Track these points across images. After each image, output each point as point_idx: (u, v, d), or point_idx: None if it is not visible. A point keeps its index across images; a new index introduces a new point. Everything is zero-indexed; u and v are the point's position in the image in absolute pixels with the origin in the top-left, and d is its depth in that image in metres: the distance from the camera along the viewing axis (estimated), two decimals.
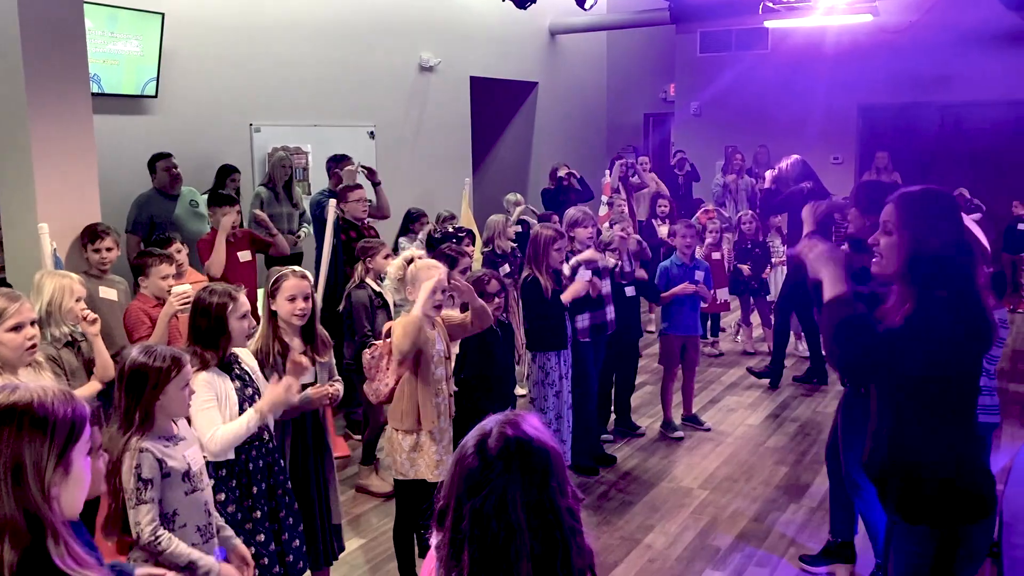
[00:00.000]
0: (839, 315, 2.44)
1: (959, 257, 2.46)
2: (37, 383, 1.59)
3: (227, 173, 7.14)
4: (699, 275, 6.12)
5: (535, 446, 1.58)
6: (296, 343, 3.60)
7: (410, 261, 3.81)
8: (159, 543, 2.58)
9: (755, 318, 8.38)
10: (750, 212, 8.30)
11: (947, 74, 10.89)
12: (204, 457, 2.93)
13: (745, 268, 7.79)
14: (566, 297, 4.88)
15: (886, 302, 2.72)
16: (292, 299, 3.51)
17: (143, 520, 2.57)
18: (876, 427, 2.63)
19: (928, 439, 2.50)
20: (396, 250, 5.98)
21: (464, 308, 4.45)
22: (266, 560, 3.25)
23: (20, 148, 4.67)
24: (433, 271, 3.76)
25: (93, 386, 3.68)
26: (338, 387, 3.68)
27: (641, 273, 5.97)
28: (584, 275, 5.04)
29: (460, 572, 1.56)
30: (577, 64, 13.05)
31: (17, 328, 3.02)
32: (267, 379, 3.42)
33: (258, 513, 3.24)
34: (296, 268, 3.70)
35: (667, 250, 7.07)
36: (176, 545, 2.61)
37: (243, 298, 3.23)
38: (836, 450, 4.06)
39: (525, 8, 8.46)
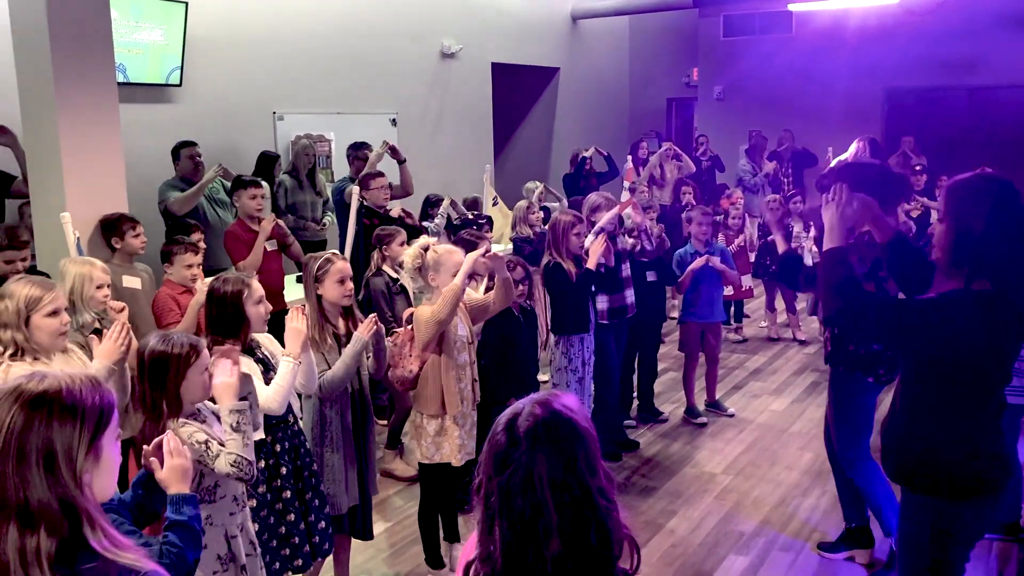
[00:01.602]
0: (834, 271, 2.57)
1: (1005, 244, 2.43)
2: (68, 370, 1.61)
3: (271, 161, 7.15)
4: (715, 260, 6.09)
5: (563, 425, 1.60)
6: (340, 324, 3.69)
7: (425, 249, 3.83)
8: (242, 460, 2.60)
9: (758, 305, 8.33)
10: (777, 197, 8.22)
11: (976, 56, 10.73)
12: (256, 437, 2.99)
13: (782, 233, 7.69)
14: (591, 263, 4.85)
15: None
16: (341, 281, 3.61)
17: (225, 467, 2.59)
18: (898, 404, 2.66)
19: (942, 420, 2.53)
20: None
21: (488, 290, 4.47)
22: (296, 539, 3.32)
23: (48, 139, 4.72)
24: (455, 255, 3.79)
25: None
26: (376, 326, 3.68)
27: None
28: (599, 241, 4.98)
29: (493, 547, 1.59)
30: (599, 49, 12.99)
31: (54, 314, 3.06)
32: (329, 363, 3.55)
33: (287, 493, 3.31)
34: (336, 252, 3.81)
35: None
36: (231, 448, 2.62)
37: (256, 284, 3.28)
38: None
39: None
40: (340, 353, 3.60)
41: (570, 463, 1.57)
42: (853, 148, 6.80)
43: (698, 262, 5.93)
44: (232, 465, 2.59)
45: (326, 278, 3.59)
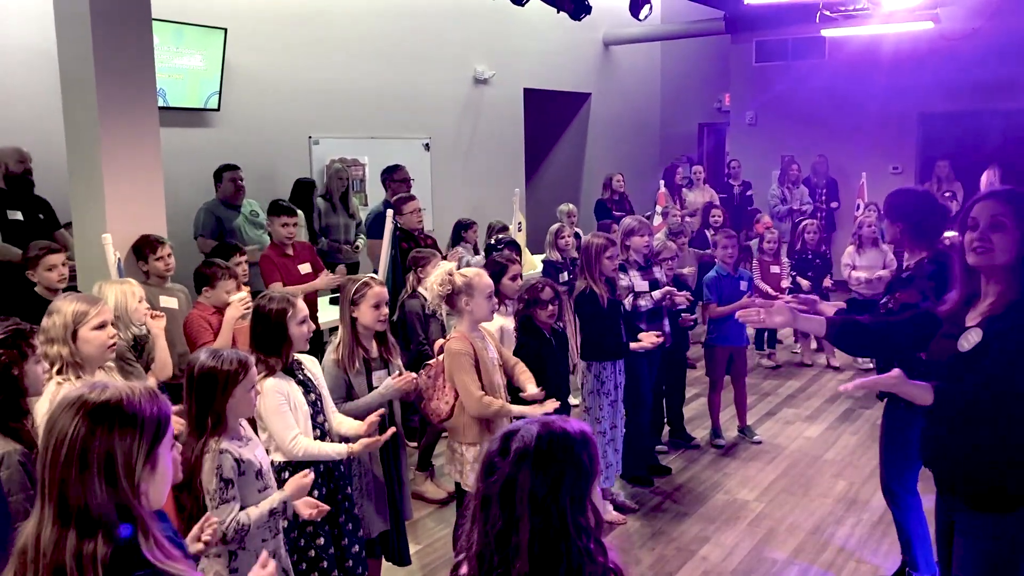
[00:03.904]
0: (949, 400, 2.52)
1: None
2: (120, 382, 1.65)
3: (308, 189, 7.23)
4: (743, 285, 6.07)
5: (556, 449, 1.58)
6: (373, 347, 3.71)
7: (450, 274, 3.83)
8: (243, 528, 2.66)
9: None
10: (814, 222, 8.16)
11: (1012, 80, 10.63)
12: (271, 458, 3.01)
13: (805, 283, 7.61)
14: (635, 346, 4.89)
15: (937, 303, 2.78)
16: (377, 306, 3.63)
17: (227, 518, 2.64)
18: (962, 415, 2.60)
19: (1008, 435, 2.48)
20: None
21: (518, 316, 4.49)
22: (325, 564, 3.31)
23: (91, 162, 4.82)
24: (484, 277, 3.81)
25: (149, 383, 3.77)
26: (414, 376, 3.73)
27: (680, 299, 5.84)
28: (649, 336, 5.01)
29: (469, 550, 1.61)
30: (631, 75, 13.04)
31: (100, 327, 3.12)
32: (353, 385, 3.57)
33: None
34: (374, 276, 3.84)
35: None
36: (252, 516, 2.68)
37: (301, 304, 3.31)
38: None
39: (580, 19, 8.49)
40: (367, 377, 3.63)
41: (554, 488, 1.55)
42: (985, 178, 6.68)
43: (738, 308, 5.83)
44: (228, 525, 2.63)
45: (362, 301, 3.62)
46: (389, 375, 3.72)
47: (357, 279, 3.71)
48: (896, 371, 2.52)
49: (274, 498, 2.75)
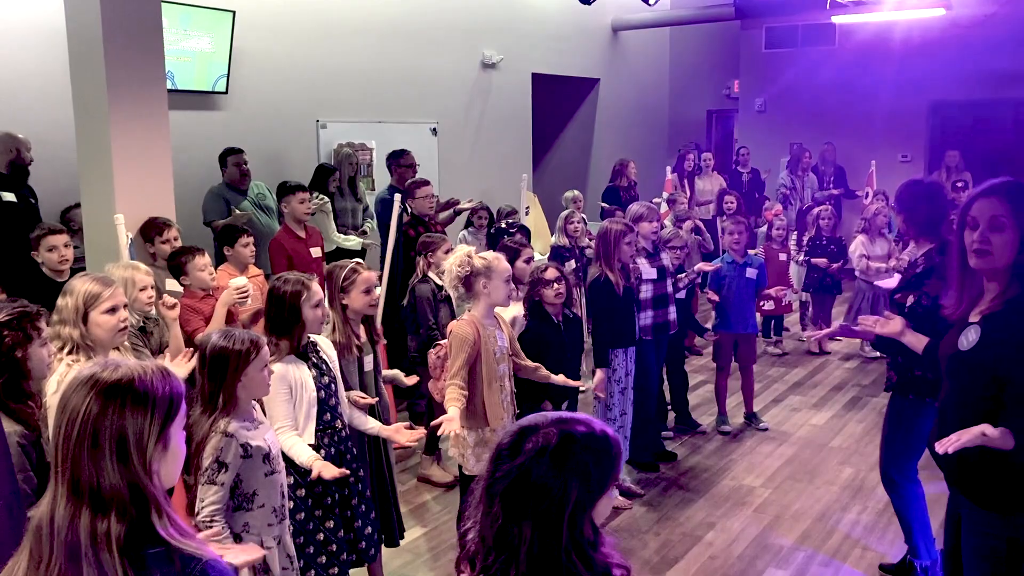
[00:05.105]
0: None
1: None
2: (132, 361, 1.64)
3: (328, 174, 7.24)
4: (751, 272, 6.04)
5: (570, 457, 1.54)
6: (362, 332, 3.72)
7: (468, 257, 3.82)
8: (209, 526, 2.60)
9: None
10: (829, 208, 8.14)
11: (1023, 70, 10.56)
12: None
13: (821, 261, 7.69)
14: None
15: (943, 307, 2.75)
16: (367, 291, 3.64)
17: (207, 499, 2.64)
18: (958, 415, 2.57)
19: (1016, 435, 2.42)
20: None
21: (527, 301, 4.48)
22: (334, 547, 3.31)
23: (101, 144, 4.82)
24: (503, 262, 3.80)
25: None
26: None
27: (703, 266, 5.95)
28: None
29: (471, 530, 1.59)
30: (639, 60, 12.97)
31: (112, 311, 3.09)
32: (345, 373, 3.56)
33: (328, 500, 3.31)
34: (360, 261, 3.84)
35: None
36: (215, 536, 2.57)
37: (316, 287, 3.31)
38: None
39: (589, 3, 8.44)
40: (357, 367, 3.63)
41: (562, 495, 1.51)
42: None
43: (701, 267, 5.95)
44: (205, 510, 2.61)
45: (352, 288, 3.62)
46: (376, 360, 3.72)
47: (344, 265, 3.70)
48: (1002, 429, 2.36)
49: (226, 543, 2.59)
